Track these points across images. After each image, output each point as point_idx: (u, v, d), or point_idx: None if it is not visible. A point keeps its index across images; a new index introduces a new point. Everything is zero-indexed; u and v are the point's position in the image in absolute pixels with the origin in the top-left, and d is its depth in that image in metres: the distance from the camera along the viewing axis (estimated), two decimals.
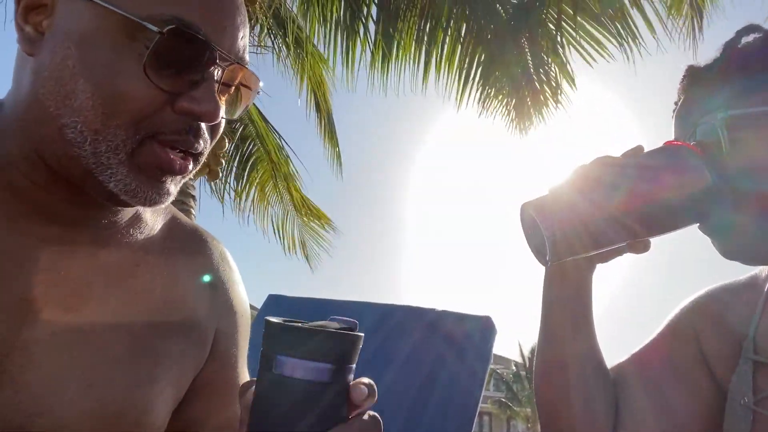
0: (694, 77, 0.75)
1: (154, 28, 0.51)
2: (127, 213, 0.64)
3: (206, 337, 0.71)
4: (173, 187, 0.59)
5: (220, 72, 0.56)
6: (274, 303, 2.26)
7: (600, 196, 0.64)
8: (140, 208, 0.66)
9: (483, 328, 1.79)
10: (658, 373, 0.81)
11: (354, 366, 0.48)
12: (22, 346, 0.54)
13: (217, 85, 0.56)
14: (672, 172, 0.66)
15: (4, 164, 0.57)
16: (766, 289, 0.77)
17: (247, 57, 0.62)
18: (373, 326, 1.76)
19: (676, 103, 0.78)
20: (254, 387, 0.47)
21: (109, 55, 0.52)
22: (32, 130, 0.55)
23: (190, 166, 0.59)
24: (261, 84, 0.64)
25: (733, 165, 0.66)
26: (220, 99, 0.58)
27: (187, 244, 0.72)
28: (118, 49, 0.52)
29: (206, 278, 0.71)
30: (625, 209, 0.64)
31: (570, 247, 0.63)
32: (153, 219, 0.69)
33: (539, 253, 0.68)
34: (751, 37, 0.72)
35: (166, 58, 0.52)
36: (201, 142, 0.58)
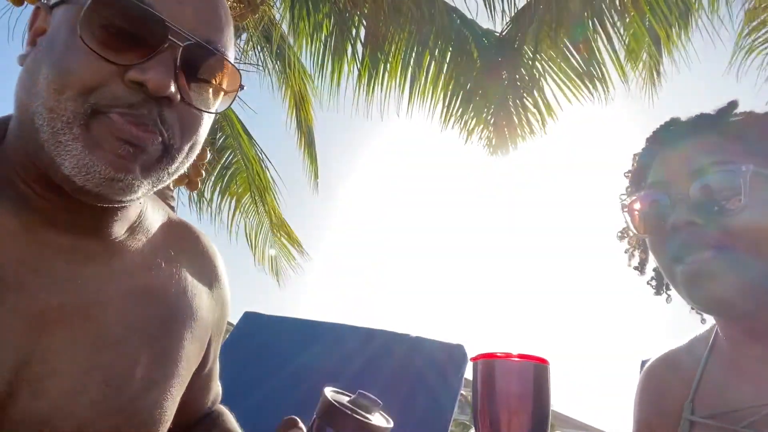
0: (691, 127, 0.77)
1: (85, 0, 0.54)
2: (128, 218, 0.66)
3: (207, 334, 0.75)
4: (139, 175, 0.56)
5: (179, 50, 0.56)
6: (251, 321, 2.26)
7: None
8: (142, 212, 0.68)
9: (456, 356, 1.84)
10: None
11: None
12: (41, 355, 0.55)
13: (175, 63, 0.56)
14: None
15: (14, 176, 0.59)
16: (705, 352, 0.82)
17: (229, 53, 0.62)
18: (357, 348, 1.80)
19: (647, 149, 0.80)
20: None
21: (64, 38, 0.56)
22: (20, 135, 0.57)
23: (156, 143, 0.57)
24: (241, 83, 0.63)
25: (746, 217, 0.68)
26: (202, 90, 0.60)
27: (187, 244, 0.75)
28: (70, 31, 0.55)
29: (207, 281, 0.76)
30: None
31: None
32: (152, 220, 0.71)
33: None
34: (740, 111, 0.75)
35: (99, 27, 0.54)
36: (166, 128, 0.57)
